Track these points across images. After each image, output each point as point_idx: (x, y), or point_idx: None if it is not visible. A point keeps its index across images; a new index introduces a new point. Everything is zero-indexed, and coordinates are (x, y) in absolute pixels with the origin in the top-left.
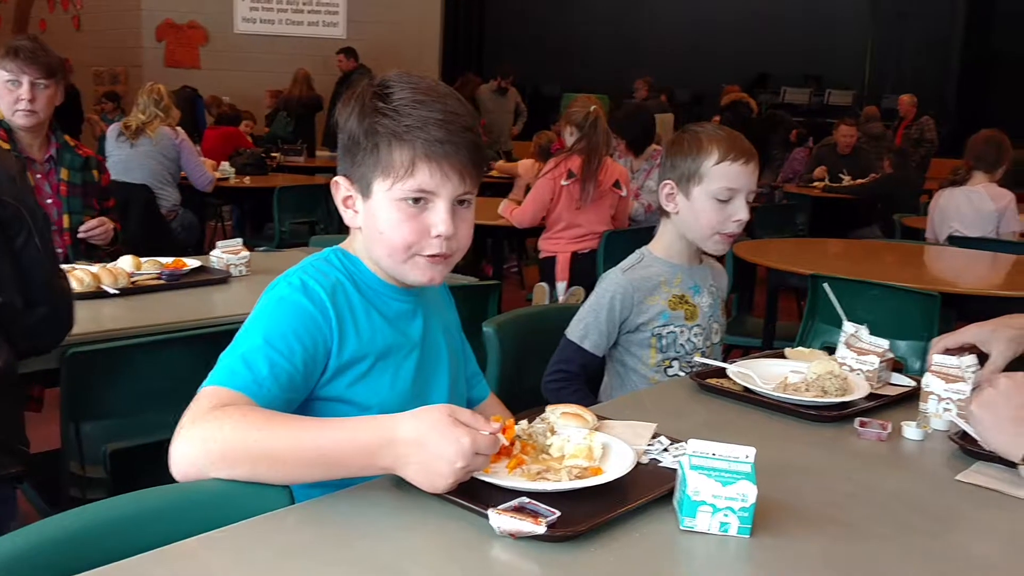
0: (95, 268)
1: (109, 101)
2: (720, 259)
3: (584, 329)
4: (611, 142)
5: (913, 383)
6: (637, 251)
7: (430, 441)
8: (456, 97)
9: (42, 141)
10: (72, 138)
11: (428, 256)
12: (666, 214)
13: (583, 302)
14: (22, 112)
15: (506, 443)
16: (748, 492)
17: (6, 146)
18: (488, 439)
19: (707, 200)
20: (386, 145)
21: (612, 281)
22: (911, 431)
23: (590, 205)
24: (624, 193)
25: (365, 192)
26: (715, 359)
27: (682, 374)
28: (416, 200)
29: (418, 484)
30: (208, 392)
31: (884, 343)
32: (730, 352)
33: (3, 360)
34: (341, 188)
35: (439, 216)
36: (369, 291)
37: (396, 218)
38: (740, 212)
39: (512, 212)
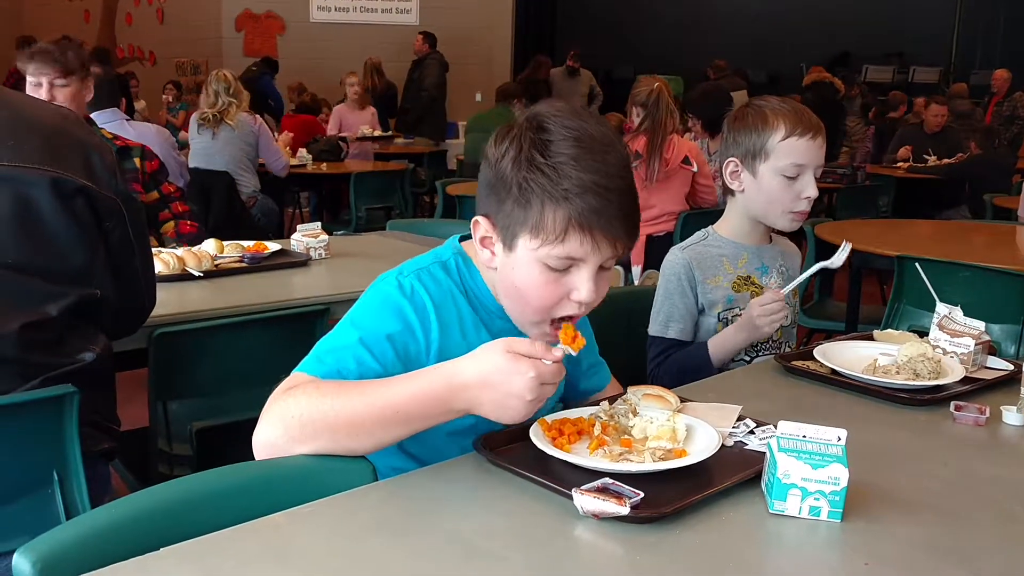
0: (180, 251)
1: (174, 88)
2: (798, 241)
3: (664, 319)
4: (677, 118)
5: (1011, 367)
6: (702, 230)
7: (496, 380)
8: (616, 147)
9: None
10: (111, 132)
11: (559, 320)
12: (731, 192)
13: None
14: None
15: (572, 353)
16: (840, 475)
17: None
18: (551, 368)
19: (774, 177)
20: (539, 205)
21: (672, 261)
22: (1012, 416)
23: (660, 184)
24: (695, 168)
25: (509, 244)
26: (788, 343)
27: (747, 359)
28: (562, 267)
29: (495, 420)
30: (292, 377)
31: (980, 325)
32: (812, 336)
33: (100, 348)
34: (481, 228)
35: (583, 282)
36: (481, 307)
37: (538, 280)
38: (809, 188)
39: None
